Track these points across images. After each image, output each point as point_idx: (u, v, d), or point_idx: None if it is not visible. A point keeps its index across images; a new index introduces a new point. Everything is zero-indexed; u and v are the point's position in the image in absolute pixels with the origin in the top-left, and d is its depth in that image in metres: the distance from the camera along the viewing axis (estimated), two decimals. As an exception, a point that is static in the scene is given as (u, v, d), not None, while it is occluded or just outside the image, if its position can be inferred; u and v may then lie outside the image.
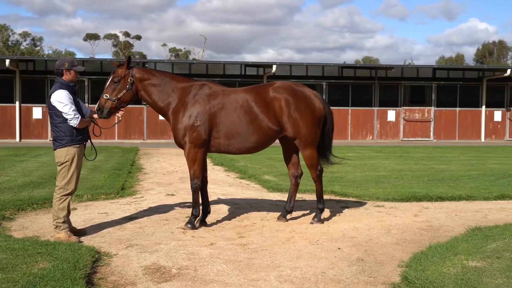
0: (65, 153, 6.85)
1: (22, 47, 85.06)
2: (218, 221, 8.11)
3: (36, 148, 20.98)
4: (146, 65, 29.96)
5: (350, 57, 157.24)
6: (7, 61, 24.62)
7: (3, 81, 26.76)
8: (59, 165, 6.90)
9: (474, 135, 30.11)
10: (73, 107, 6.81)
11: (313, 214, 8.31)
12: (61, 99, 6.76)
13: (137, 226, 7.70)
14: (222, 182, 12.35)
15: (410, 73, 30.79)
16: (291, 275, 5.55)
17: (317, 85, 28.27)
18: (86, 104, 15.78)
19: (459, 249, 6.18)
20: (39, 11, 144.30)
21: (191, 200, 8.69)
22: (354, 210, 8.99)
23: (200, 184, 7.70)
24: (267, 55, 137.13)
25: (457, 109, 29.93)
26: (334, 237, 7.17)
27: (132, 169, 14.40)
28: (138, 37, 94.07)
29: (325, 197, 8.95)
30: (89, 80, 26.46)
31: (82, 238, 6.88)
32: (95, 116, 7.38)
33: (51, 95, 6.84)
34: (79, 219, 7.95)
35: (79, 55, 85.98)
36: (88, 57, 58.12)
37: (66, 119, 6.79)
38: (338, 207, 9.19)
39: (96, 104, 7.60)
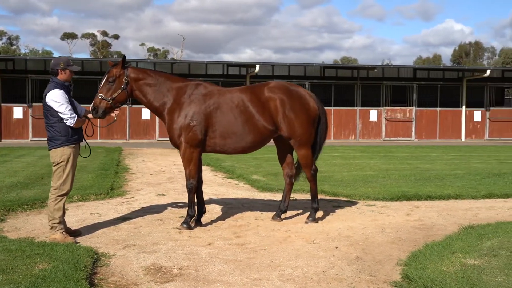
0: (61, 153, 6.78)
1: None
2: (212, 221, 8.09)
3: (17, 149, 20.70)
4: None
5: (328, 57, 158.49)
6: (-14, 60, 24.31)
7: (-18, 80, 26.38)
8: (54, 165, 6.83)
9: (454, 135, 30.51)
10: (69, 107, 6.75)
11: (307, 213, 8.35)
12: (56, 98, 6.69)
13: (132, 226, 7.65)
14: (211, 182, 12.32)
15: (391, 73, 31.11)
16: (293, 274, 5.57)
17: (300, 85, 28.17)
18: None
19: (455, 247, 6.26)
20: (14, 10, 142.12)
21: (182, 200, 8.72)
22: (347, 210, 9.05)
23: (196, 184, 7.67)
24: (245, 55, 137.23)
25: (438, 109, 30.30)
26: (330, 236, 7.20)
27: (118, 169, 14.29)
28: (116, 37, 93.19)
29: (316, 196, 8.99)
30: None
31: (78, 239, 6.82)
32: (90, 116, 7.31)
33: (46, 94, 6.76)
34: (72, 220, 7.87)
35: (56, 55, 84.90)
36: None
37: (62, 119, 6.72)
38: (330, 207, 9.24)
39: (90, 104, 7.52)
